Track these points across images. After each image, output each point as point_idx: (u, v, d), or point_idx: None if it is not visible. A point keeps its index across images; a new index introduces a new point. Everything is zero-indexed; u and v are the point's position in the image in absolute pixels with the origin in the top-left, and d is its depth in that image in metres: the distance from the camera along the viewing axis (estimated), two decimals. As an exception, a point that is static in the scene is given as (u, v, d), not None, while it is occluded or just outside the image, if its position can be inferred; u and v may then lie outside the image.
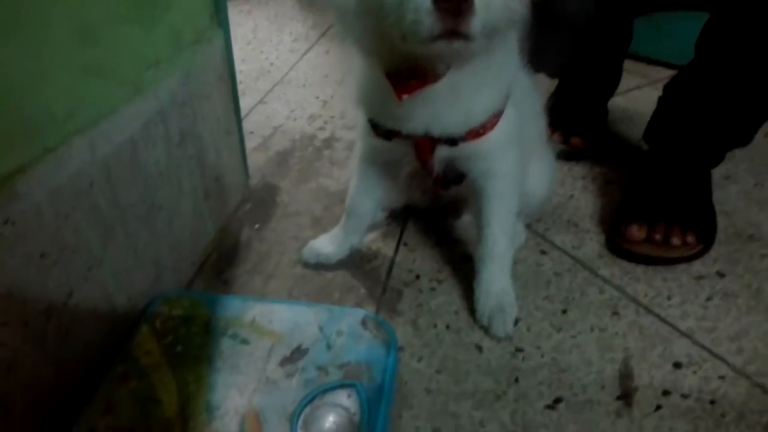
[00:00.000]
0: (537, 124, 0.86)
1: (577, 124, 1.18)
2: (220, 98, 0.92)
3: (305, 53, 1.68)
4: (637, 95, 1.43)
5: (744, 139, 0.94)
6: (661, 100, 1.00)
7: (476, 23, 0.52)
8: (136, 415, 0.63)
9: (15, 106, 0.54)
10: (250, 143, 1.19)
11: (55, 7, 0.57)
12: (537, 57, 0.76)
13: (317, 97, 1.43)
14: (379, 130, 0.74)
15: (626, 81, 1.31)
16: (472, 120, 0.69)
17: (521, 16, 0.60)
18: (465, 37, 0.52)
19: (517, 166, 0.77)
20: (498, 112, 0.70)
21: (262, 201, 1.06)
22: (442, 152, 0.73)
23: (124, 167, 0.69)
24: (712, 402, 0.69)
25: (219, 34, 0.90)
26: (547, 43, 0.71)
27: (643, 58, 1.57)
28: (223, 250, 0.93)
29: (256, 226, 0.99)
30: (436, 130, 0.70)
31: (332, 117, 1.35)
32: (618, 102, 1.34)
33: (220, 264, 0.91)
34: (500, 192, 0.77)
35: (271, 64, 1.61)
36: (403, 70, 0.62)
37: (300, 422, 0.61)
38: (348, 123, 1.32)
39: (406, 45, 0.56)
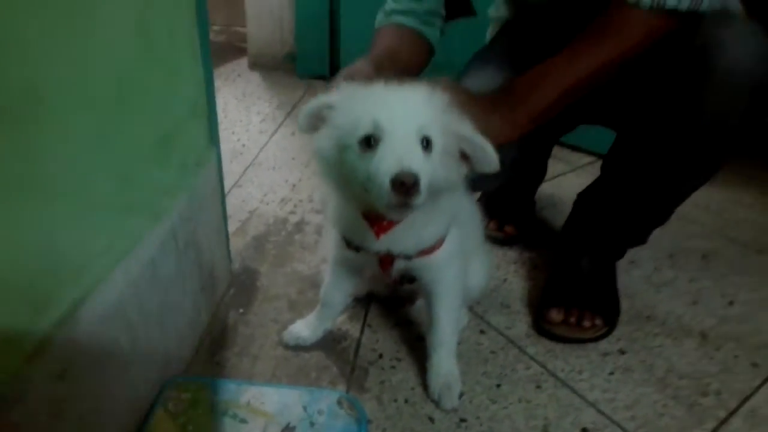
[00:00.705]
0: (476, 233, 1.07)
1: (509, 213, 1.41)
2: (213, 206, 1.10)
3: (273, 134, 1.87)
4: (562, 181, 1.67)
5: (640, 240, 1.18)
6: (575, 205, 1.23)
7: (421, 198, 0.71)
8: (160, 488, 0.78)
9: (79, 247, 0.70)
10: (229, 227, 1.35)
11: (98, 156, 0.73)
12: (474, 182, 0.97)
13: (286, 180, 1.62)
14: (351, 245, 0.93)
15: (552, 168, 1.55)
16: (423, 243, 0.88)
17: (458, 182, 0.81)
18: (413, 207, 0.72)
19: (459, 274, 0.97)
20: (443, 236, 0.90)
21: (244, 286, 1.22)
22: (400, 264, 0.92)
23: (147, 283, 0.85)
24: (609, 460, 0.90)
25: (213, 152, 1.09)
26: (481, 175, 0.92)
27: (567, 146, 1.83)
28: (214, 335, 1.09)
29: (241, 310, 1.16)
30: (395, 250, 0.89)
31: (301, 201, 1.53)
32: (545, 188, 1.58)
33: (213, 348, 1.07)
34: (446, 294, 0.97)
35: (243, 145, 1.78)
36: (376, 213, 0.81)
37: (293, 489, 0.78)
38: (315, 207, 1.51)
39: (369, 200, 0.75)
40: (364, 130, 0.73)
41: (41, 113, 0.60)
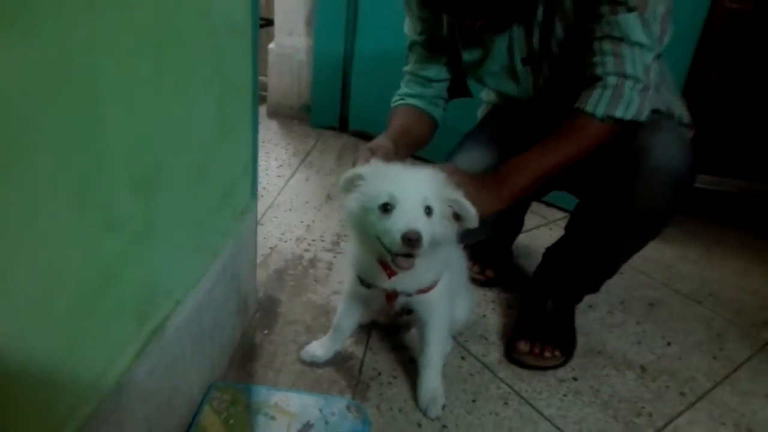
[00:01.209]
0: (463, 278, 1.34)
1: (490, 260, 1.67)
2: (250, 245, 1.35)
3: (289, 179, 2.13)
4: (537, 233, 1.95)
5: (593, 289, 1.45)
6: (543, 257, 1.50)
7: (423, 249, 0.97)
8: (211, 464, 1.03)
9: (169, 278, 0.95)
10: (253, 261, 1.61)
11: (186, 211, 0.99)
12: (462, 237, 1.23)
13: (302, 221, 1.88)
14: (364, 282, 1.18)
15: (530, 221, 1.83)
16: (422, 284, 1.15)
17: (452, 237, 1.07)
18: (416, 256, 0.98)
19: (448, 309, 1.23)
20: (437, 279, 1.16)
21: (268, 311, 1.47)
22: (401, 299, 1.18)
23: (206, 305, 1.10)
24: (557, 462, 1.15)
25: (254, 202, 1.35)
26: (468, 231, 1.18)
27: (543, 203, 2.11)
28: (245, 350, 1.34)
29: (266, 331, 1.41)
30: (399, 288, 1.15)
31: (314, 240, 1.79)
32: (523, 239, 1.85)
33: (244, 360, 1.31)
34: (436, 324, 1.22)
35: (263, 188, 2.05)
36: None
37: (313, 469, 1.03)
38: (326, 246, 1.77)
39: (383, 248, 1.01)
40: (383, 199, 1.00)
41: (158, 183, 0.87)
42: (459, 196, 1.05)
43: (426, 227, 0.98)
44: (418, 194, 1.00)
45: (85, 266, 0.73)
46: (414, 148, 1.35)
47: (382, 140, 1.22)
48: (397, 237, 0.96)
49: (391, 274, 1.09)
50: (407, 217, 0.97)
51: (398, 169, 1.06)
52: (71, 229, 0.68)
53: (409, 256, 0.98)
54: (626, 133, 1.17)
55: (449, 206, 1.05)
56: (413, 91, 1.42)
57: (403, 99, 1.42)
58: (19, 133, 0.56)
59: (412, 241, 0.95)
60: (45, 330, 0.67)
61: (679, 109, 1.33)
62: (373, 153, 1.14)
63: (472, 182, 1.13)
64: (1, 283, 0.58)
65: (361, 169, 1.07)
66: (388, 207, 0.99)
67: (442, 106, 1.46)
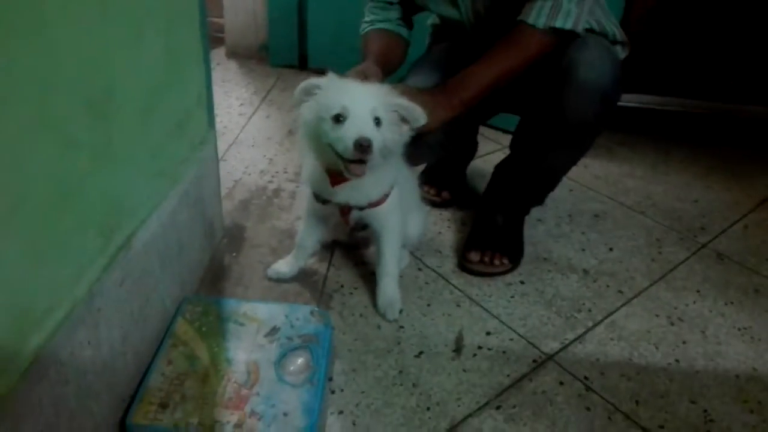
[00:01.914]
0: (413, 194, 1.43)
1: (446, 182, 1.77)
2: (211, 174, 1.42)
3: (251, 117, 2.18)
4: (491, 158, 2.03)
5: (538, 201, 1.56)
6: (492, 174, 1.60)
7: (374, 156, 1.06)
8: (186, 366, 1.12)
9: (133, 199, 1.02)
10: (219, 193, 1.67)
11: (142, 137, 1.05)
12: (411, 157, 1.31)
13: (264, 156, 1.94)
14: (319, 198, 1.27)
15: (484, 146, 1.91)
16: (372, 198, 1.23)
17: (402, 143, 1.15)
18: (367, 162, 1.06)
19: (399, 222, 1.32)
20: (387, 193, 1.25)
21: (235, 237, 1.56)
22: (355, 214, 1.27)
23: (170, 226, 1.17)
24: (504, 352, 1.27)
25: (212, 133, 1.41)
26: (417, 151, 1.26)
27: (499, 129, 2.19)
28: (214, 271, 1.42)
29: (234, 254, 1.49)
30: (352, 202, 1.23)
31: (277, 172, 1.86)
32: (478, 163, 1.94)
33: (213, 280, 1.40)
34: (389, 236, 1.31)
35: (225, 126, 2.10)
36: (337, 170, 1.15)
37: (280, 366, 1.13)
38: (289, 177, 1.84)
39: (336, 156, 1.09)
40: (336, 110, 1.07)
41: (112, 107, 0.93)
42: (402, 100, 1.12)
43: (375, 135, 1.06)
44: (367, 106, 1.08)
45: (46, 182, 0.79)
46: (392, 70, 1.42)
47: (370, 65, 1.28)
48: (350, 144, 1.04)
49: (334, 182, 1.17)
50: (358, 126, 1.05)
51: (351, 83, 1.13)
52: (31, 147, 0.74)
53: (361, 162, 1.07)
54: (558, 51, 1.25)
55: (395, 111, 1.13)
56: (379, 16, 1.48)
57: (372, 25, 1.48)
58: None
59: (363, 147, 1.03)
60: (10, 237, 0.74)
61: (612, 28, 1.41)
62: (366, 78, 1.20)
63: (422, 95, 1.21)
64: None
65: (318, 80, 1.13)
66: (341, 117, 1.07)
67: (407, 27, 1.52)
